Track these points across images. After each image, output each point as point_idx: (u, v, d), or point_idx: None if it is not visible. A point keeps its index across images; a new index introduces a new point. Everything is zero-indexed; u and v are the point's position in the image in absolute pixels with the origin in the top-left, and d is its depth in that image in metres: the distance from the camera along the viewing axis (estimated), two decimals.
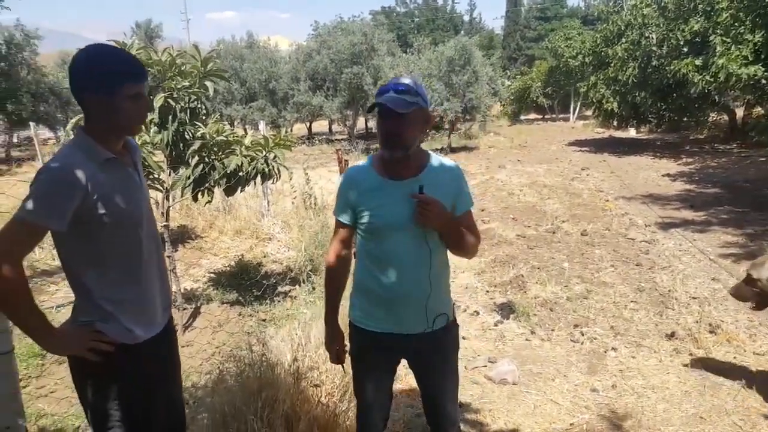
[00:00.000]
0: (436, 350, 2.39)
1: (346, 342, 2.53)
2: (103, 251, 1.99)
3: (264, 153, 4.97)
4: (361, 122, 30.25)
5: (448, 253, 2.38)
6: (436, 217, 2.15)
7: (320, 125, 34.76)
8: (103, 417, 2.08)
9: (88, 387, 2.09)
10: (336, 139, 27.55)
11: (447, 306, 2.40)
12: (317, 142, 25.13)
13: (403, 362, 2.53)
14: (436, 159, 2.33)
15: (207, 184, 4.92)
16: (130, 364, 2.06)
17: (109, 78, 1.90)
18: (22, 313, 1.90)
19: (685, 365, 4.28)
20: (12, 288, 1.82)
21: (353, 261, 2.55)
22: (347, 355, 2.58)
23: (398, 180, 2.22)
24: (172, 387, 2.37)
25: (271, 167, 4.97)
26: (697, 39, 14.90)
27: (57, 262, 7.21)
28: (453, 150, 20.47)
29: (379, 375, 2.47)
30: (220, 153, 4.91)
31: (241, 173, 4.82)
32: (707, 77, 13.98)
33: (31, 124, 14.47)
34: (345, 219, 2.34)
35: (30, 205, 1.81)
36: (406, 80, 2.18)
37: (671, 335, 4.78)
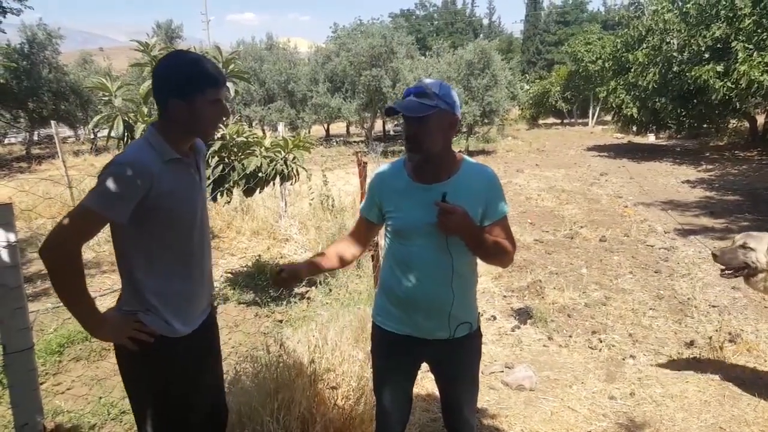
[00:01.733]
0: (458, 359, 2.36)
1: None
2: (155, 246, 2.07)
3: (283, 154, 4.99)
4: (378, 124, 30.31)
5: (478, 260, 2.33)
6: (457, 226, 2.09)
7: (338, 127, 34.86)
8: (143, 406, 2.19)
9: (130, 376, 2.19)
10: (354, 141, 27.61)
11: (471, 315, 2.35)
12: (335, 143, 25.19)
13: (423, 366, 2.51)
14: (469, 165, 2.27)
15: (226, 185, 4.94)
16: (170, 356, 2.13)
17: (190, 83, 1.98)
18: (75, 296, 1.99)
19: (705, 374, 4.23)
20: (68, 271, 1.94)
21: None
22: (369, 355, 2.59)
23: (425, 184, 2.20)
24: (213, 378, 2.43)
25: (290, 168, 4.99)
26: (718, 45, 14.77)
27: None
28: (470, 154, 20.38)
29: (397, 377, 2.45)
30: (239, 154, 4.93)
31: (260, 174, 4.84)
32: (728, 84, 13.86)
33: (52, 122, 14.61)
34: (366, 214, 2.38)
35: (95, 194, 1.91)
36: (428, 81, 2.15)
37: (690, 343, 4.73)
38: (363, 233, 2.47)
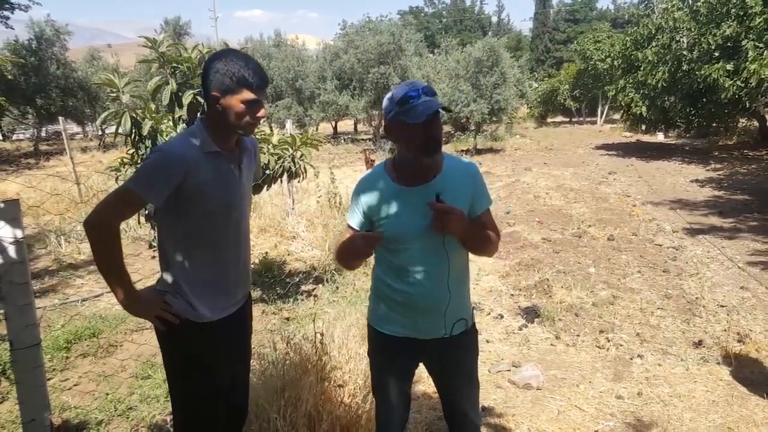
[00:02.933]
0: (455, 355, 2.36)
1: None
2: (187, 232, 2.20)
3: (291, 151, 4.98)
4: None
5: (469, 255, 2.34)
6: (455, 225, 2.09)
7: (345, 124, 34.86)
8: (172, 384, 2.35)
9: (164, 353, 2.34)
10: (361, 139, 27.59)
11: (466, 311, 2.36)
12: (343, 141, 25.19)
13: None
14: (450, 160, 2.27)
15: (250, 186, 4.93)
16: (192, 340, 2.25)
17: (230, 81, 2.09)
18: (114, 269, 2.15)
19: (712, 374, 4.20)
20: (106, 245, 2.11)
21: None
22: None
23: (414, 187, 2.18)
24: (239, 369, 2.50)
25: (297, 166, 4.98)
26: (728, 44, 14.66)
27: (83, 257, 7.36)
28: (479, 152, 20.37)
29: (396, 378, 2.45)
30: None
31: (268, 171, 4.83)
32: (738, 82, 13.77)
33: (60, 118, 14.67)
34: (356, 225, 2.29)
35: (135, 177, 2.11)
36: (421, 83, 2.13)
37: (699, 343, 4.70)
38: None
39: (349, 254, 2.29)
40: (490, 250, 2.33)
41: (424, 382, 3.92)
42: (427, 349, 2.34)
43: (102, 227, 2.08)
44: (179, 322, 2.20)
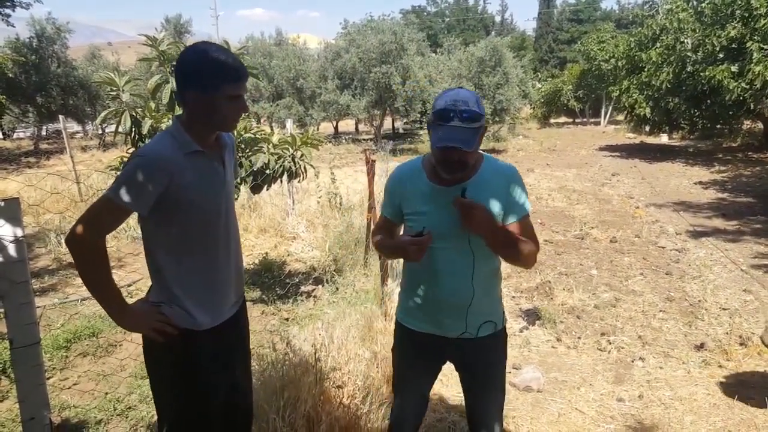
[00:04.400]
0: (482, 359, 2.34)
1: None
2: (178, 237, 2.08)
3: (291, 151, 4.96)
4: (388, 122, 30.26)
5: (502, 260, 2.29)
6: (478, 221, 2.05)
7: (346, 124, 34.85)
8: (164, 398, 2.23)
9: (152, 366, 2.22)
10: (362, 139, 27.58)
11: (494, 313, 2.31)
12: (344, 141, 25.16)
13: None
14: (490, 162, 2.23)
15: (234, 183, 4.92)
16: (193, 350, 2.14)
17: (210, 77, 1.97)
18: (99, 285, 2.03)
19: (714, 377, 4.18)
20: (92, 260, 1.98)
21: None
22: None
23: (446, 186, 2.15)
24: (239, 375, 2.41)
25: (298, 166, 4.96)
26: (733, 45, 14.62)
27: None
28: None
29: (418, 375, 2.46)
30: (247, 150, 4.91)
31: (268, 171, 4.82)
32: (743, 84, 13.73)
33: (60, 117, 14.65)
34: (390, 215, 2.36)
35: (117, 186, 1.94)
36: (470, 101, 2.01)
37: (700, 346, 4.68)
38: (391, 232, 2.42)
39: (393, 254, 2.42)
40: (523, 259, 2.19)
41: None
42: (452, 348, 2.32)
43: (85, 244, 1.95)
44: (177, 333, 2.09)
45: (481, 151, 2.21)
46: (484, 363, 2.35)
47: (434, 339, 2.30)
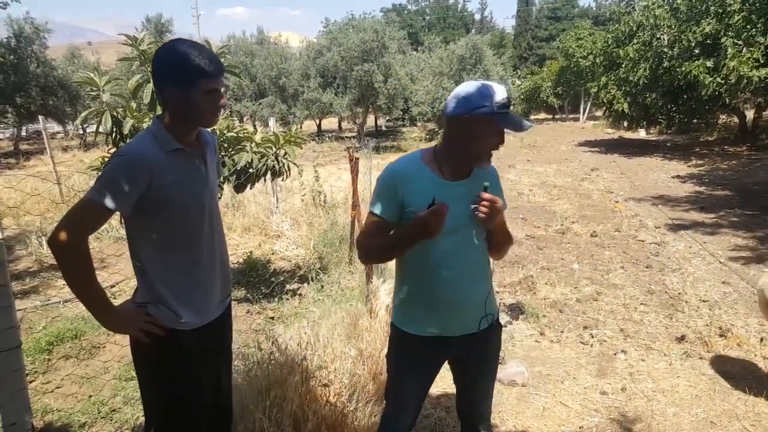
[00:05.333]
0: (482, 351, 2.37)
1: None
2: (162, 236, 2.07)
3: (274, 150, 4.95)
4: (370, 120, 30.24)
5: None
6: (500, 215, 2.15)
7: (330, 122, 34.78)
8: (152, 398, 2.22)
9: (140, 366, 2.21)
10: (346, 137, 27.54)
11: (495, 306, 2.38)
12: (327, 139, 25.12)
13: None
14: None
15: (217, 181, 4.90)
16: (180, 349, 2.13)
17: (185, 73, 1.97)
18: (83, 287, 2.01)
19: (695, 369, 4.25)
20: (75, 262, 1.96)
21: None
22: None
23: (458, 180, 2.18)
24: (223, 375, 2.41)
25: (281, 164, 4.96)
26: (708, 41, 14.83)
27: None
28: None
29: (417, 382, 2.40)
30: (230, 149, 4.89)
31: (251, 170, 4.81)
32: (718, 79, 13.94)
33: (40, 117, 14.47)
34: (387, 215, 2.17)
35: (98, 186, 1.92)
36: (500, 86, 2.09)
37: (681, 338, 4.75)
38: (387, 235, 2.22)
39: (400, 245, 2.16)
40: (507, 250, 2.43)
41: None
42: (453, 347, 2.30)
43: (67, 245, 1.91)
44: (164, 333, 2.08)
45: None
46: (485, 355, 2.39)
47: (439, 341, 2.26)
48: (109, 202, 1.91)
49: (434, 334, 2.26)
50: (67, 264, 1.96)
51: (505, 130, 2.07)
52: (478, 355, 2.37)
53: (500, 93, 2.05)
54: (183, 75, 1.97)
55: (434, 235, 2.00)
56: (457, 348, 2.31)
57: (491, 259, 2.38)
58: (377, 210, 2.19)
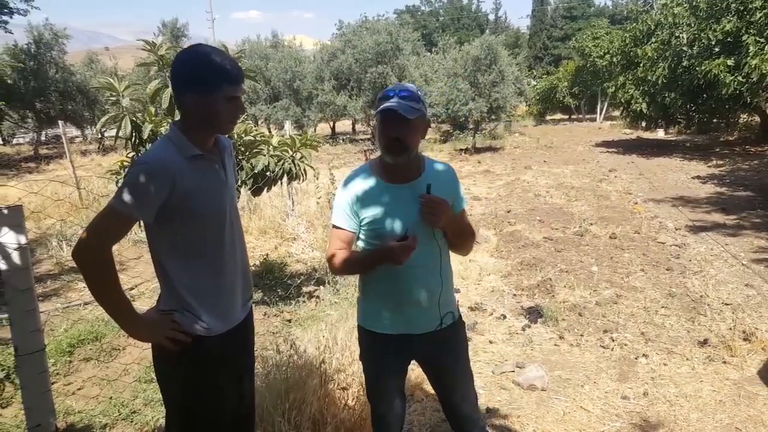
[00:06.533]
0: (447, 349, 2.42)
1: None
2: (185, 243, 2.06)
3: (291, 153, 4.96)
4: None
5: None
6: (445, 215, 2.20)
7: (343, 125, 34.83)
8: (174, 404, 2.21)
9: (163, 373, 2.19)
10: (359, 139, 27.56)
11: (453, 303, 2.44)
12: (341, 141, 25.15)
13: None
14: (431, 162, 2.37)
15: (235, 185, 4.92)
16: (204, 356, 2.12)
17: (208, 79, 1.96)
18: (108, 297, 2.00)
19: (719, 374, 4.18)
20: (99, 272, 1.95)
21: None
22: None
23: (403, 183, 2.25)
24: (245, 381, 2.40)
25: (297, 167, 4.96)
26: (729, 39, 14.63)
27: None
28: (477, 150, 20.35)
29: (392, 378, 2.48)
30: (247, 153, 4.90)
31: (268, 173, 4.82)
32: (739, 78, 13.75)
33: (60, 122, 14.66)
34: (347, 225, 2.30)
35: (121, 195, 1.91)
36: (410, 87, 2.19)
37: (704, 342, 4.67)
38: (349, 245, 2.34)
39: (368, 264, 2.30)
40: (469, 246, 2.51)
41: (427, 383, 3.89)
42: (419, 345, 2.37)
43: (92, 256, 1.92)
44: (190, 340, 2.07)
45: (420, 153, 2.34)
46: (451, 352, 2.43)
47: (402, 338, 2.34)
48: (132, 211, 1.92)
49: (398, 332, 2.34)
50: (92, 274, 1.95)
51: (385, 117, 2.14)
52: (444, 353, 2.42)
53: (386, 89, 2.24)
54: (205, 81, 1.96)
55: (401, 263, 2.12)
56: (422, 347, 2.38)
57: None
58: (337, 222, 2.32)
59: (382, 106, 2.13)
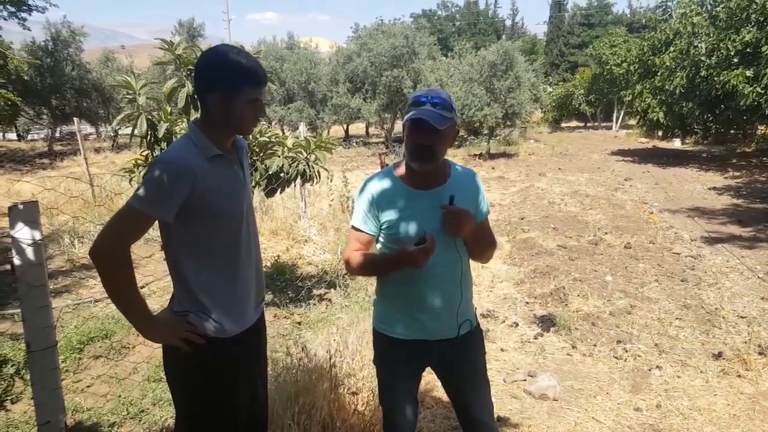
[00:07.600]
0: (464, 358, 2.37)
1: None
2: (202, 243, 2.05)
3: (305, 155, 4.95)
4: (398, 125, 30.21)
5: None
6: (467, 227, 2.18)
7: (357, 128, 34.89)
8: (187, 408, 2.18)
9: (174, 374, 2.17)
10: (373, 142, 27.58)
11: (472, 311, 2.41)
12: (354, 144, 25.17)
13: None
14: (456, 167, 2.35)
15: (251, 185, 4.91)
16: (218, 358, 2.10)
17: (232, 80, 1.96)
18: (125, 297, 1.98)
19: (733, 387, 4.12)
20: (117, 272, 1.93)
21: None
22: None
23: (427, 190, 2.23)
24: (258, 383, 2.39)
25: (312, 169, 4.95)
26: (748, 50, 14.51)
27: None
28: (492, 156, 20.29)
29: (405, 384, 2.45)
30: (261, 154, 4.90)
31: (282, 175, 4.81)
32: (758, 89, 13.63)
33: (75, 119, 14.77)
34: (366, 228, 2.29)
35: (141, 194, 1.89)
36: (442, 94, 2.15)
37: (718, 355, 4.61)
38: (370, 248, 2.36)
39: (387, 268, 2.29)
40: (489, 255, 2.47)
41: (439, 389, 3.85)
42: (434, 352, 2.34)
43: (110, 255, 1.90)
44: (205, 342, 2.05)
45: (446, 159, 2.30)
46: (467, 360, 2.39)
47: (419, 344, 2.31)
48: (151, 210, 1.91)
49: (414, 338, 2.31)
50: (109, 274, 1.93)
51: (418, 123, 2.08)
52: (460, 361, 2.38)
53: (416, 93, 2.19)
54: (229, 83, 1.95)
55: (421, 267, 2.10)
56: (439, 353, 2.35)
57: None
58: (357, 224, 2.30)
59: (413, 114, 2.09)
